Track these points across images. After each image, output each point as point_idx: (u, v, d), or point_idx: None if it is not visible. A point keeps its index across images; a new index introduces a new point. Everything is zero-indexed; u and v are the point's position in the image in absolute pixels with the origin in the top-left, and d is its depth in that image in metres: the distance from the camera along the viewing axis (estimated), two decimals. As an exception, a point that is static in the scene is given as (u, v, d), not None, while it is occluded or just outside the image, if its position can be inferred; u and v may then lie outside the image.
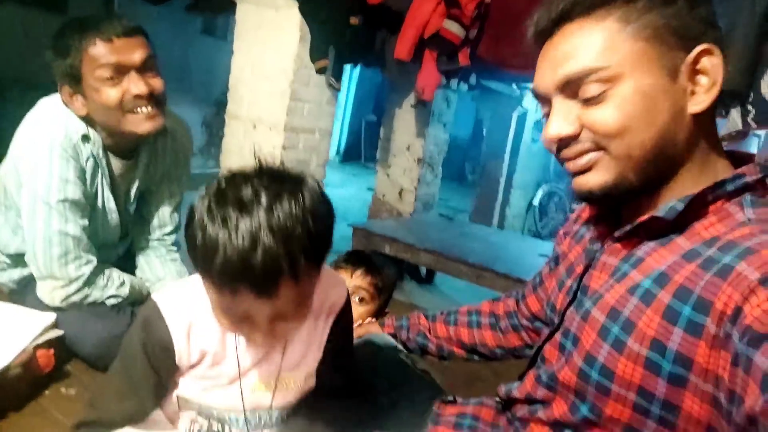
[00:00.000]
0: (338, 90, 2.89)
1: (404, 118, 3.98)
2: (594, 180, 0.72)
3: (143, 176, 1.47)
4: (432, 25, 2.69)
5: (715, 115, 0.73)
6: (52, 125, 1.27)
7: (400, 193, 4.07)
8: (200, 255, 0.66)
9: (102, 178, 1.36)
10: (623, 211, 0.81)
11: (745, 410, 0.52)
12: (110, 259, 1.51)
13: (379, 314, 1.45)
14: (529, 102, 5.82)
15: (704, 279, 0.61)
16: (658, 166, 0.70)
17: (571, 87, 0.70)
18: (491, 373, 1.83)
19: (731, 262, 0.60)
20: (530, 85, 4.72)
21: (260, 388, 0.86)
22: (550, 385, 0.80)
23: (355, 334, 1.21)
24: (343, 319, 0.93)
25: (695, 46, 0.67)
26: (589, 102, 0.70)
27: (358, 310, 1.36)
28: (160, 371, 0.82)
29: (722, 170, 0.72)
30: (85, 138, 1.30)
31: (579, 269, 0.84)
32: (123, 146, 1.39)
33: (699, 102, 0.68)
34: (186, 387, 0.86)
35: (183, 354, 0.81)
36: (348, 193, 7.07)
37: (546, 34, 0.74)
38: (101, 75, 1.22)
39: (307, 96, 2.81)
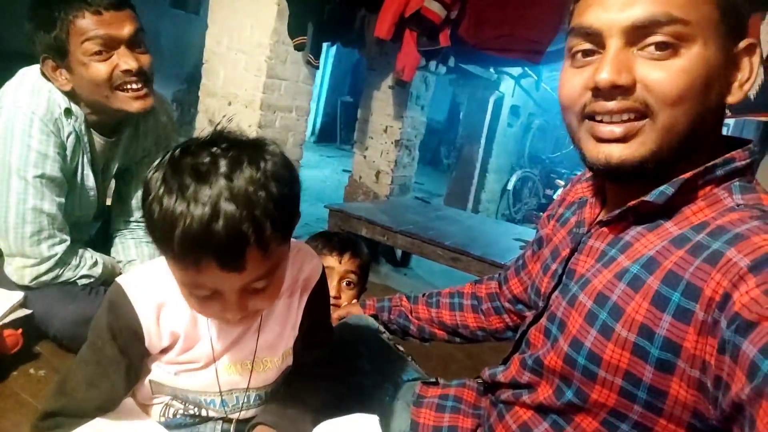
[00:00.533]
0: (317, 68, 2.84)
1: (382, 99, 3.94)
2: (629, 151, 0.67)
3: (123, 155, 1.42)
4: (413, 3, 2.65)
5: None
6: (33, 97, 1.21)
7: (376, 175, 4.05)
8: (159, 229, 0.63)
9: (83, 154, 1.31)
10: (609, 195, 0.80)
11: (731, 397, 0.53)
12: (84, 238, 1.46)
13: (360, 294, 1.45)
14: (505, 86, 5.83)
15: (693, 265, 0.61)
16: (688, 145, 0.66)
17: (641, 32, 0.64)
18: (465, 356, 1.85)
19: (721, 248, 0.60)
20: (507, 69, 4.69)
21: (236, 369, 0.84)
22: (535, 369, 0.79)
23: (336, 315, 1.19)
24: (319, 293, 0.90)
25: (744, 37, 0.66)
26: (654, 56, 0.64)
27: (347, 294, 1.34)
28: (130, 355, 0.79)
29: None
30: (68, 112, 1.24)
31: (564, 253, 0.83)
32: (106, 123, 1.34)
33: (735, 93, 0.67)
34: (158, 371, 0.82)
35: (153, 337, 0.78)
36: (323, 175, 7.01)
37: None
38: (90, 49, 1.17)
39: (285, 73, 2.75)
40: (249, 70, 2.68)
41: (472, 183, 5.86)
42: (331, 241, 1.40)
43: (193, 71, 4.96)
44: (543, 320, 0.82)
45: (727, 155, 0.67)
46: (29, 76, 1.24)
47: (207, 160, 0.62)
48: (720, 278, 0.57)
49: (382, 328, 1.16)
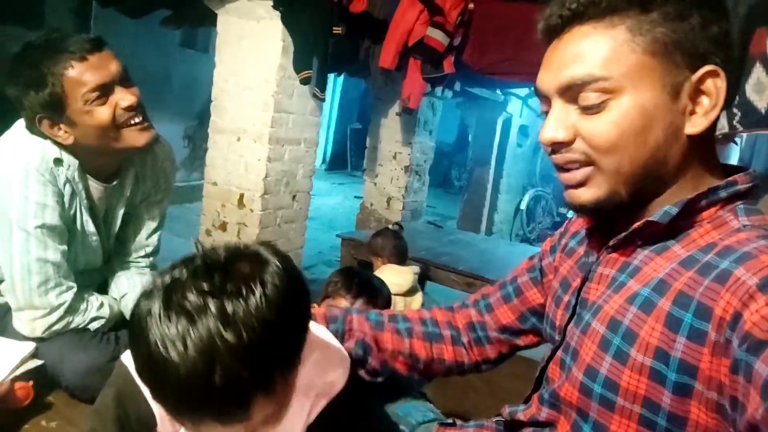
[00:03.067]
0: (323, 100, 2.86)
1: (390, 126, 3.97)
2: (586, 195, 0.71)
3: (128, 200, 1.42)
4: (416, 32, 2.68)
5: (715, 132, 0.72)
6: (26, 149, 1.21)
7: (387, 202, 4.05)
8: (150, 377, 0.56)
9: (79, 202, 1.31)
10: (617, 222, 0.79)
11: (747, 418, 0.52)
12: (93, 284, 1.46)
13: None
14: (513, 107, 5.84)
15: (703, 285, 0.60)
16: (647, 184, 0.69)
17: (571, 91, 0.69)
18: (483, 384, 1.81)
19: (729, 267, 0.59)
20: (514, 90, 4.74)
21: None
22: (552, 404, 0.77)
23: None
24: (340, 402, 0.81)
25: (702, 66, 0.65)
26: (587, 110, 0.68)
27: None
28: None
29: (717, 182, 0.70)
30: (58, 162, 1.24)
31: (575, 283, 0.82)
32: (104, 169, 1.33)
33: (696, 124, 0.67)
34: None
35: (164, 424, 0.72)
36: (335, 202, 7.04)
37: (555, 31, 0.71)
38: (89, 97, 1.17)
39: (291, 107, 2.78)
40: (256, 105, 2.71)
41: (484, 205, 5.84)
42: (350, 281, 1.37)
43: (203, 108, 5.03)
44: (560, 353, 0.80)
45: (729, 178, 0.68)
46: (22, 128, 1.24)
47: (199, 298, 0.54)
48: (730, 297, 0.57)
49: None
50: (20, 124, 1.26)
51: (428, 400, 1.11)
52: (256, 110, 2.71)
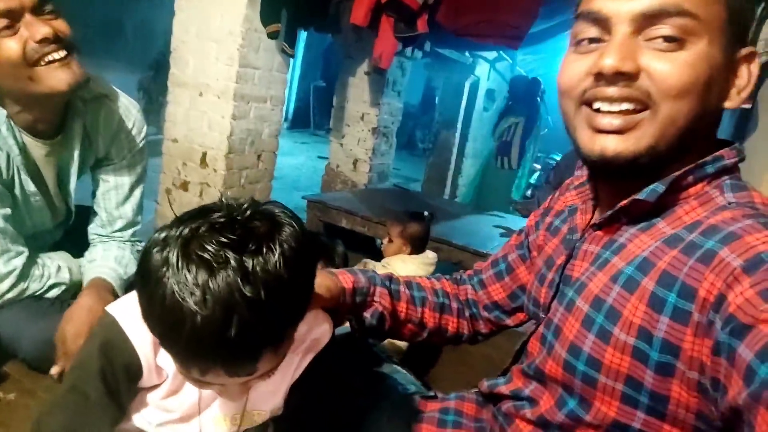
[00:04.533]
0: (292, 56, 2.74)
1: (358, 86, 3.86)
2: (625, 144, 0.65)
3: (80, 158, 1.29)
4: (390, -11, 2.57)
5: None
6: None
7: (354, 164, 3.98)
8: (163, 325, 0.57)
9: (12, 160, 1.17)
10: (601, 197, 0.79)
11: (729, 401, 0.52)
12: (45, 247, 1.36)
13: None
14: (480, 70, 5.79)
15: (687, 265, 0.60)
16: (682, 145, 0.65)
17: (648, 21, 0.63)
18: (458, 361, 1.85)
19: (714, 248, 0.59)
20: (483, 53, 4.68)
21: (223, 422, 0.77)
22: (536, 378, 0.78)
23: None
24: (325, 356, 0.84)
25: (746, 45, 0.66)
26: (661, 47, 0.63)
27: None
28: (120, 399, 0.72)
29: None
30: None
31: (560, 261, 0.81)
32: (41, 124, 1.19)
33: (732, 98, 0.66)
34: (139, 420, 0.75)
35: (152, 373, 0.71)
36: (298, 162, 6.90)
37: None
38: None
39: (258, 62, 2.65)
40: (220, 59, 2.57)
41: (449, 168, 5.84)
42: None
43: (159, 57, 4.76)
44: (541, 328, 0.80)
45: (716, 153, 0.67)
46: None
47: (219, 251, 0.55)
48: (714, 279, 0.57)
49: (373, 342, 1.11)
50: None
51: (408, 373, 1.10)
52: (220, 64, 2.57)
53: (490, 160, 5.43)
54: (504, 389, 0.85)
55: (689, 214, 0.66)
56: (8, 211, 1.18)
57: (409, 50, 3.62)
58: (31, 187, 1.22)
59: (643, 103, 0.64)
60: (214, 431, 0.77)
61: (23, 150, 1.18)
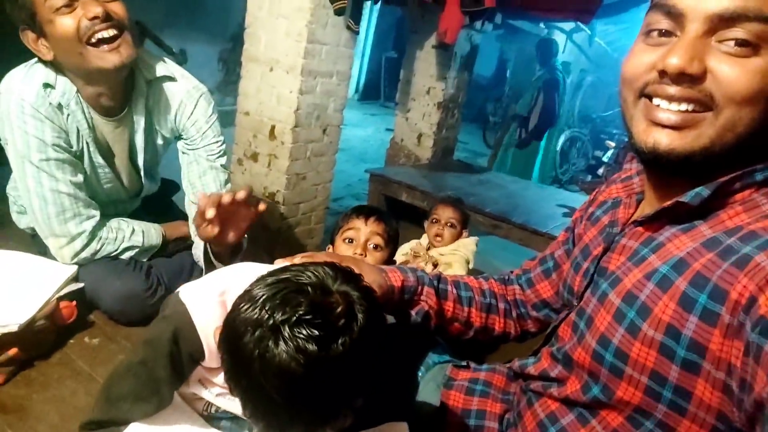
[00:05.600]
0: (357, 32, 2.78)
1: (425, 59, 3.84)
2: (681, 141, 0.65)
3: (145, 134, 1.38)
4: (457, -38, 2.54)
5: None
6: (23, 84, 1.20)
7: (418, 138, 4.00)
8: (241, 388, 0.64)
9: (84, 139, 1.29)
10: (647, 195, 0.79)
11: (754, 396, 0.53)
12: (123, 214, 1.50)
13: (389, 263, 1.49)
14: (559, 42, 5.56)
15: (721, 268, 0.60)
16: (738, 150, 0.64)
17: (724, 23, 0.62)
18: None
19: (750, 253, 0.59)
20: (559, 24, 4.48)
21: None
22: (564, 363, 0.81)
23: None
24: None
25: None
26: (732, 51, 0.62)
27: (374, 256, 1.40)
28: (184, 375, 0.84)
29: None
30: (47, 86, 1.21)
31: (596, 251, 0.83)
32: (104, 101, 1.29)
33: None
34: (201, 390, 0.87)
35: (213, 358, 0.81)
36: (366, 134, 6.98)
37: None
38: (53, 4, 1.11)
39: (325, 38, 2.71)
40: (290, 35, 2.65)
41: (517, 144, 5.69)
42: (360, 208, 1.49)
43: (238, 30, 4.94)
44: (572, 315, 0.83)
45: None
46: (20, 68, 1.23)
47: (305, 344, 0.60)
48: (747, 282, 0.57)
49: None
50: (15, 69, 1.24)
51: (444, 344, 1.16)
52: (290, 40, 2.66)
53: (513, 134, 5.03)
54: (533, 370, 0.89)
55: (732, 219, 0.66)
56: (80, 178, 1.30)
57: (479, 23, 3.55)
58: (100, 160, 1.34)
59: (705, 105, 0.63)
60: None
61: (92, 125, 1.30)
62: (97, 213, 1.34)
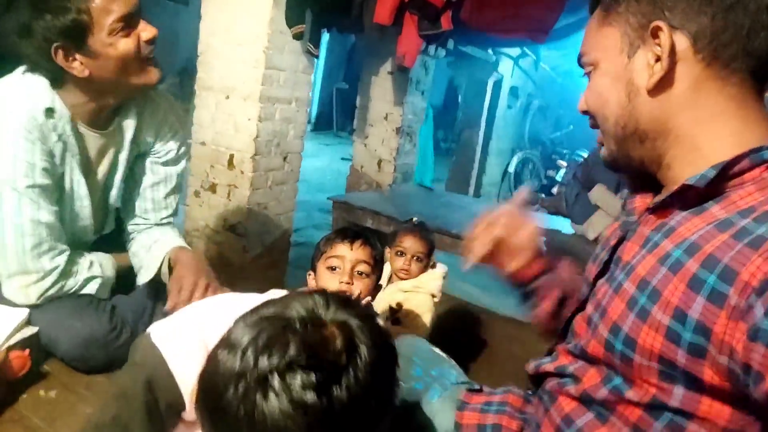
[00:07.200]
0: (317, 57, 2.75)
1: (381, 85, 3.86)
2: (602, 153, 0.82)
3: (130, 148, 1.35)
4: (414, -14, 2.56)
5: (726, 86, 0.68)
6: (14, 105, 1.13)
7: (378, 164, 3.98)
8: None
9: (70, 158, 1.23)
10: (659, 178, 0.79)
11: (765, 388, 0.52)
12: (84, 246, 1.39)
13: (376, 289, 1.42)
14: (504, 67, 5.74)
15: (735, 249, 0.59)
16: (633, 142, 0.75)
17: (582, 65, 0.80)
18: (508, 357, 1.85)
19: (765, 234, 0.58)
20: (506, 50, 4.62)
21: None
22: (582, 358, 0.79)
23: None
24: None
25: (655, 21, 0.69)
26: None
27: (360, 283, 1.32)
28: (163, 428, 0.73)
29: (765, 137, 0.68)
30: (49, 112, 1.16)
31: (613, 242, 0.83)
32: (99, 115, 1.26)
33: (647, 79, 0.71)
34: None
35: (192, 411, 0.71)
36: (322, 164, 6.93)
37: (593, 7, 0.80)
38: (116, 27, 1.12)
39: (283, 64, 2.66)
40: (247, 62, 2.59)
41: (473, 167, 5.80)
42: (344, 231, 1.39)
43: (185, 64, 4.84)
44: (589, 308, 0.80)
45: None
46: (10, 81, 1.16)
47: (299, 394, 0.51)
48: (761, 263, 0.56)
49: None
50: (8, 78, 1.17)
51: (457, 366, 1.16)
52: (247, 67, 2.59)
53: None
54: (550, 366, 0.87)
55: (744, 198, 0.65)
56: (58, 208, 1.21)
57: (432, 49, 3.60)
58: (82, 189, 1.27)
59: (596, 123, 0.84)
60: None
61: (81, 146, 1.25)
62: (67, 247, 1.24)
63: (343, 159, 7.15)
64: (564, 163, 6.15)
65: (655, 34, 0.68)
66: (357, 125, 4.08)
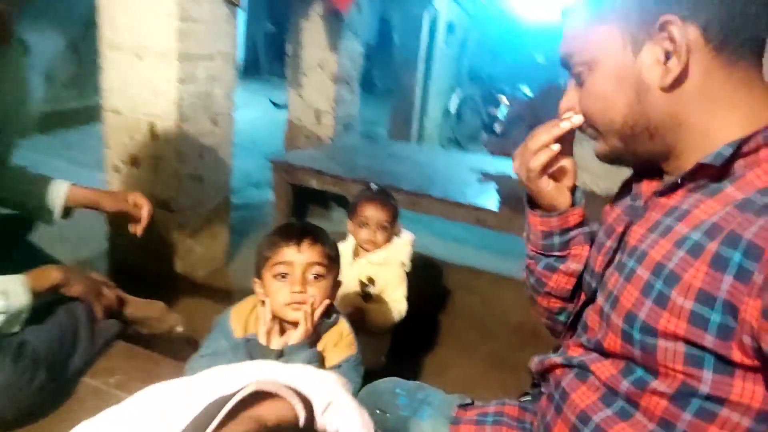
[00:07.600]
0: (237, 6, 2.43)
1: (313, 30, 3.55)
2: (597, 148, 0.80)
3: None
4: None
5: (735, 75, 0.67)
6: None
7: (317, 116, 3.73)
8: None
9: None
10: (664, 167, 0.78)
11: None
12: None
13: (335, 287, 1.28)
14: (439, 2, 5.46)
15: (756, 225, 0.58)
16: (642, 138, 0.73)
17: (567, 66, 0.77)
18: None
19: None
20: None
21: None
22: (599, 351, 0.77)
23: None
24: None
25: (663, 15, 0.66)
26: (579, 84, 0.77)
27: (316, 287, 1.17)
28: None
29: None
30: None
31: (619, 229, 0.81)
32: None
33: (663, 76, 0.68)
34: None
35: None
36: (255, 115, 6.53)
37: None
38: None
39: (201, 15, 2.34)
40: (158, 15, 2.25)
41: (413, 110, 5.61)
42: (287, 229, 1.22)
43: (90, 12, 4.29)
44: (599, 300, 0.78)
45: None
46: None
47: None
48: None
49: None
50: None
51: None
52: (158, 21, 2.26)
53: None
54: (558, 360, 0.84)
55: (761, 178, 0.64)
56: None
57: (363, -13, 3.32)
58: None
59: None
60: None
61: None
62: None
63: (274, 104, 6.79)
64: (505, 99, 6.07)
65: (663, 27, 0.66)
66: (290, 75, 3.78)
